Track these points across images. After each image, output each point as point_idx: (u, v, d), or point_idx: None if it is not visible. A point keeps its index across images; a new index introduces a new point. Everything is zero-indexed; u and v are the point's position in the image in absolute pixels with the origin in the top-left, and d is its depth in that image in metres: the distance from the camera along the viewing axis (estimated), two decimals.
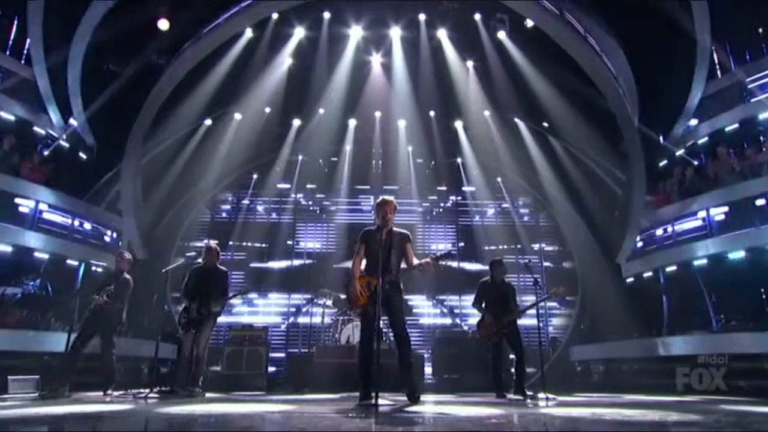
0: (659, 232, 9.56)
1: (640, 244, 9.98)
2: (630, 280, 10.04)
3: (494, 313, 6.31)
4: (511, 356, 6.62)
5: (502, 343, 6.35)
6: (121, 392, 5.70)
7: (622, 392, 7.58)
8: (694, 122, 10.34)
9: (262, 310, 11.71)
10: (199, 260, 6.38)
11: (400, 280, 4.83)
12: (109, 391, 5.73)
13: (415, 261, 4.83)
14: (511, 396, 6.10)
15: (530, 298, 7.67)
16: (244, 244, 12.55)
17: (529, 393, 6.08)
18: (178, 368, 6.02)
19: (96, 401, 5.01)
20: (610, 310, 9.87)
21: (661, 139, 10.38)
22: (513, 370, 6.45)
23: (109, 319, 6.07)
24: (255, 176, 12.83)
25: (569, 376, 9.79)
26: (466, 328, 10.64)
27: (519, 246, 12.51)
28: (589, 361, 9.84)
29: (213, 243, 6.57)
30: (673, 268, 9.11)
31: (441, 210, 12.98)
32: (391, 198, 4.94)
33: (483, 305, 6.44)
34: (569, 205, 11.45)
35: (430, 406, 5.19)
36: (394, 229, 4.90)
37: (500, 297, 6.36)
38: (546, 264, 12.30)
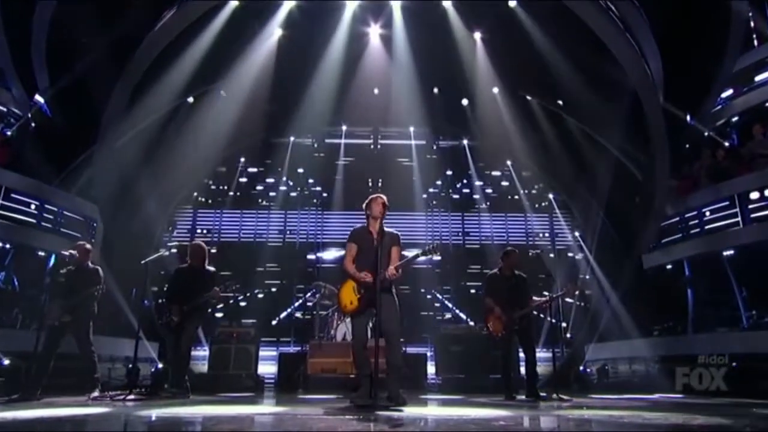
0: (685, 219, 9.51)
1: (662, 232, 9.94)
2: (651, 272, 10.03)
3: (504, 308, 6.30)
4: (521, 354, 6.62)
5: (512, 339, 6.36)
6: (97, 394, 5.69)
7: (642, 393, 7.62)
8: (726, 97, 10.19)
9: (252, 305, 11.73)
10: (186, 260, 6.34)
11: (392, 282, 4.84)
12: (95, 393, 5.73)
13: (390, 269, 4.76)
14: (521, 398, 6.12)
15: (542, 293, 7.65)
16: (232, 234, 12.55)
17: (542, 394, 6.11)
18: (161, 368, 6.02)
19: (70, 404, 5.01)
20: (629, 305, 9.86)
21: (688, 117, 10.26)
22: (523, 370, 6.47)
23: (81, 314, 6.04)
24: (243, 160, 12.79)
25: (584, 376, 9.83)
26: (472, 323, 10.67)
27: (530, 235, 12.51)
28: (605, 360, 9.87)
29: (199, 240, 6.54)
30: (699, 259, 9.09)
31: (445, 197, 12.93)
32: (381, 195, 5.05)
33: (492, 300, 6.42)
34: (585, 190, 11.40)
35: (433, 407, 5.21)
36: (385, 228, 4.94)
37: (511, 291, 6.35)
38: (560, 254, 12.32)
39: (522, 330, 6.29)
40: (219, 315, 10.92)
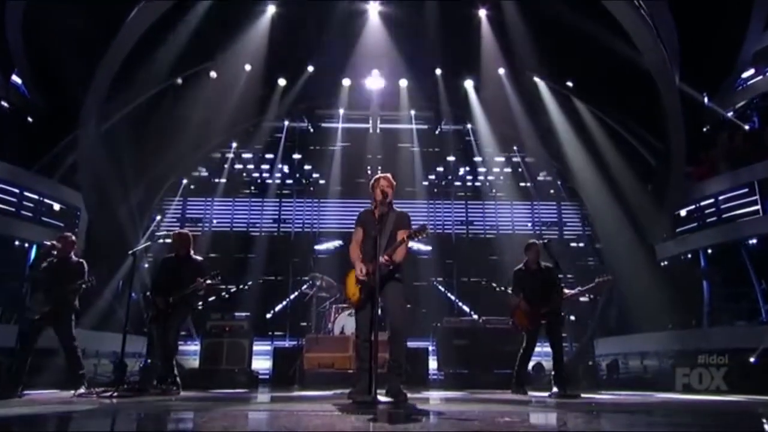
0: (701, 207, 9.47)
1: (677, 221, 9.92)
2: (665, 263, 10.02)
3: (532, 303, 6.43)
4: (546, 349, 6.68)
5: (537, 335, 6.45)
6: (83, 390, 5.69)
7: (654, 390, 7.66)
8: (746, 77, 10.09)
9: (245, 298, 11.72)
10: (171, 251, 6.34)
11: (400, 266, 4.81)
12: (81, 390, 5.73)
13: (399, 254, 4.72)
14: (536, 394, 6.22)
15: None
16: (224, 223, 12.53)
17: (554, 390, 6.17)
18: (149, 364, 6.04)
19: (54, 401, 5.01)
20: (642, 297, 9.86)
21: (705, 99, 10.19)
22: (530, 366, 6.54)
23: (62, 308, 6.02)
24: (234, 145, 12.72)
25: (594, 371, 9.86)
26: (475, 316, 10.68)
27: (537, 224, 12.49)
28: (616, 355, 9.90)
29: (185, 229, 6.54)
30: (716, 249, 9.07)
31: (448, 184, 12.87)
32: (384, 176, 4.97)
33: (522, 296, 6.57)
34: (596, 177, 11.35)
35: (435, 403, 5.22)
36: (394, 208, 4.89)
37: (537, 285, 6.45)
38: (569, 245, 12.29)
39: (550, 325, 6.37)
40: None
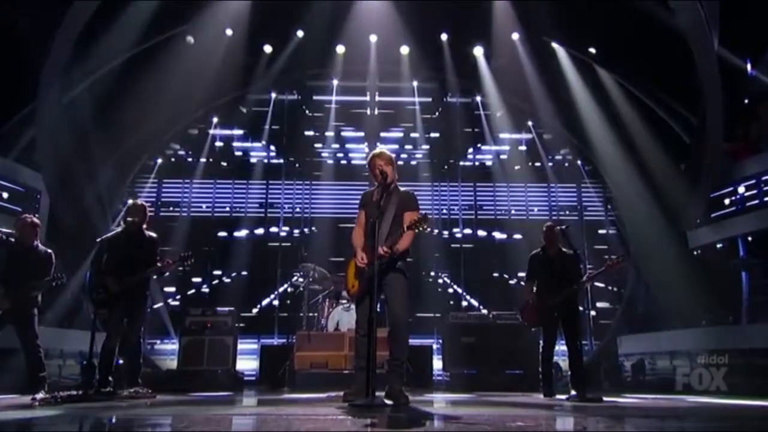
0: (740, 190, 9.44)
1: (712, 205, 9.89)
2: (698, 252, 10.01)
3: (542, 294, 6.48)
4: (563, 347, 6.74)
5: (556, 329, 6.47)
6: (43, 395, 5.67)
7: (685, 393, 7.69)
8: None
9: (229, 291, 11.70)
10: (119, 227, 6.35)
11: (404, 255, 4.83)
12: (40, 395, 5.72)
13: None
14: (560, 396, 6.30)
15: None
16: (204, 207, 12.50)
17: (572, 393, 6.18)
18: (122, 364, 6.08)
19: (12, 407, 5.00)
20: (671, 290, 9.89)
21: (748, 67, 10.09)
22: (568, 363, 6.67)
23: (23, 303, 5.99)
24: (215, 120, 12.66)
25: (617, 372, 9.91)
26: (485, 311, 10.71)
27: (554, 209, 12.48)
28: (642, 354, 9.93)
29: (139, 200, 6.55)
30: (757, 237, 9.05)
31: (454, 164, 12.84)
32: (383, 149, 4.99)
33: (533, 285, 6.66)
34: (621, 156, 11.32)
35: (440, 405, 5.24)
36: (399, 188, 4.87)
37: (553, 274, 6.45)
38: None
39: (565, 319, 6.38)
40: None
